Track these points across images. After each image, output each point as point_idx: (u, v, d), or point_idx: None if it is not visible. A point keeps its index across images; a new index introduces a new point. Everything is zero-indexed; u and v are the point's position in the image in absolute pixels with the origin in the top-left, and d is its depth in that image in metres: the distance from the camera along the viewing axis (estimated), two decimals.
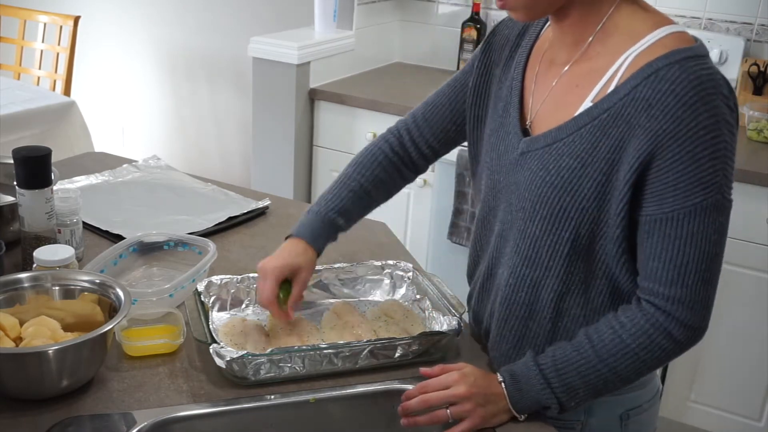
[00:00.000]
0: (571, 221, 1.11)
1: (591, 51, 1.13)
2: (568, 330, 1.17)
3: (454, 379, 1.11)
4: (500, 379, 1.13)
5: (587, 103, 1.10)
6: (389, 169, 1.38)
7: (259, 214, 1.74)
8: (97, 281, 1.22)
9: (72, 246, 1.43)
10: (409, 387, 1.16)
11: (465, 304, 1.32)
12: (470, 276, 1.35)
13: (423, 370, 1.15)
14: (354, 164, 1.38)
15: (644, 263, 1.09)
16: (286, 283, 1.25)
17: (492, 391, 1.12)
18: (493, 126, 1.25)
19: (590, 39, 1.12)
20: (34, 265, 1.26)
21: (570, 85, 1.15)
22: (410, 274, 1.41)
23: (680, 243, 1.05)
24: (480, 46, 1.32)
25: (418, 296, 1.36)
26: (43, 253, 1.26)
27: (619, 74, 1.08)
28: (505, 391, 1.12)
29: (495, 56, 1.28)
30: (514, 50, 1.25)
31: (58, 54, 3.43)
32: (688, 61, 1.03)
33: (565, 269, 1.14)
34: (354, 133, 2.77)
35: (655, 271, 1.07)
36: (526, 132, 1.19)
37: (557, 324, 1.17)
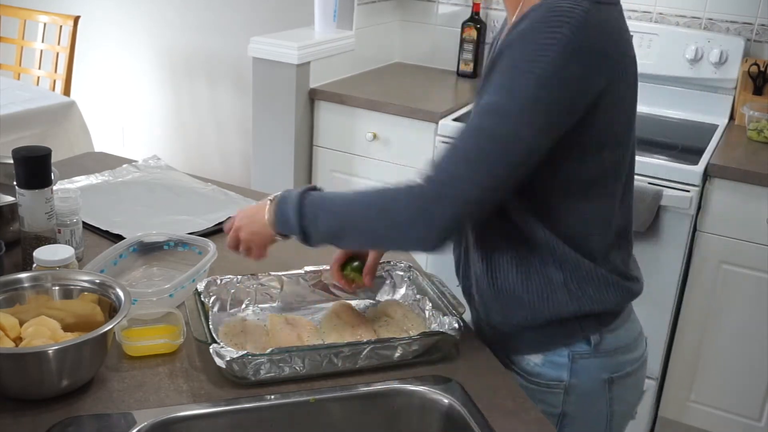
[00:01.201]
0: None
1: (517, 19, 1.17)
2: (532, 280, 1.22)
3: (227, 227, 1.30)
4: (269, 199, 1.24)
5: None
6: None
7: None
8: (97, 281, 1.22)
9: (72, 246, 1.43)
10: (409, 387, 1.17)
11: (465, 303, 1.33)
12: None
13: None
14: None
15: None
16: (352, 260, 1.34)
17: (257, 222, 1.25)
18: None
19: (519, 7, 1.16)
20: (34, 265, 1.26)
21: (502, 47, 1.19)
22: (410, 274, 1.41)
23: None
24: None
25: (418, 296, 1.36)
26: (43, 253, 1.26)
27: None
28: (266, 215, 1.22)
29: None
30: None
31: (57, 54, 3.43)
32: None
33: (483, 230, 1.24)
34: (354, 133, 2.77)
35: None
36: None
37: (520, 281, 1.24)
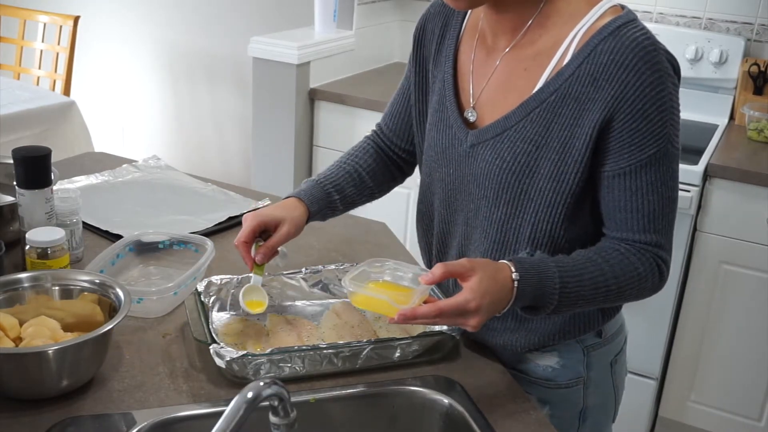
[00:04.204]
0: (531, 203, 1.15)
1: (531, 34, 1.16)
2: None
3: (472, 311, 1.03)
4: (515, 278, 1.07)
5: (540, 87, 1.14)
6: (379, 161, 1.42)
7: None
8: (97, 281, 1.22)
9: (72, 246, 1.43)
10: (409, 387, 1.17)
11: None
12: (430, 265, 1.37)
13: (424, 278, 1.06)
14: (346, 154, 1.43)
15: (611, 215, 1.15)
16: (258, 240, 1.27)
17: (499, 306, 1.07)
18: (431, 120, 1.28)
19: (530, 22, 1.15)
20: (27, 247, 1.28)
21: (517, 69, 1.17)
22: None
23: (642, 193, 1.11)
24: (412, 44, 1.34)
25: None
26: (35, 234, 1.28)
27: (568, 56, 1.12)
28: (513, 297, 1.06)
29: (426, 51, 1.31)
30: (440, 43, 1.28)
31: (57, 54, 3.43)
32: (619, 30, 1.08)
33: (531, 247, 1.18)
34: (354, 133, 2.77)
35: (625, 221, 1.13)
36: (467, 122, 1.22)
37: None
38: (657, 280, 1.16)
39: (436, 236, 1.33)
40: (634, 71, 1.06)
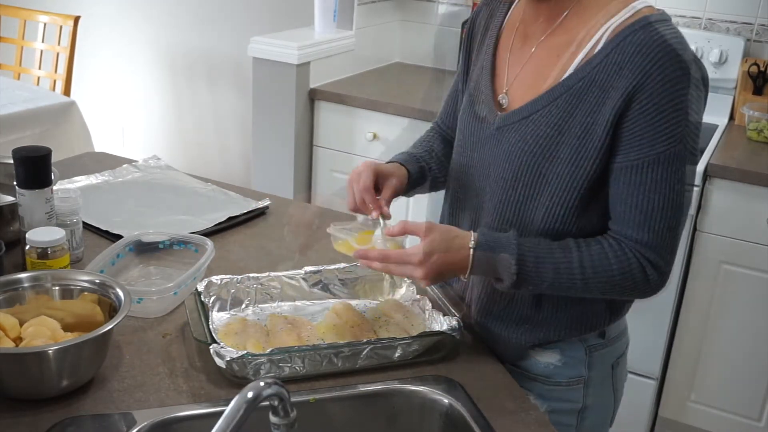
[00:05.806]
0: (548, 186, 1.16)
1: (567, 23, 1.18)
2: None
3: (414, 264, 1.13)
4: (471, 246, 1.14)
5: (568, 74, 1.16)
6: (449, 148, 1.43)
7: (259, 214, 1.74)
8: (97, 281, 1.22)
9: (72, 246, 1.43)
10: (409, 387, 1.17)
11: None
12: None
13: (387, 230, 1.18)
14: (418, 141, 1.46)
15: (612, 207, 1.15)
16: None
17: (453, 268, 1.15)
18: (465, 105, 1.31)
19: (566, 13, 1.18)
20: (27, 247, 1.28)
21: (550, 56, 1.19)
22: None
23: (645, 189, 1.11)
24: (465, 38, 1.38)
25: (417, 296, 1.36)
26: (35, 234, 1.28)
27: (599, 46, 1.13)
28: (470, 263, 1.14)
29: (474, 43, 1.35)
30: (484, 34, 1.32)
31: (58, 54, 3.43)
32: (651, 25, 1.10)
33: (543, 232, 1.19)
34: (354, 133, 2.77)
35: (623, 214, 1.14)
36: (499, 106, 1.24)
37: None
38: (641, 281, 1.14)
39: (449, 217, 1.37)
40: (658, 65, 1.07)
